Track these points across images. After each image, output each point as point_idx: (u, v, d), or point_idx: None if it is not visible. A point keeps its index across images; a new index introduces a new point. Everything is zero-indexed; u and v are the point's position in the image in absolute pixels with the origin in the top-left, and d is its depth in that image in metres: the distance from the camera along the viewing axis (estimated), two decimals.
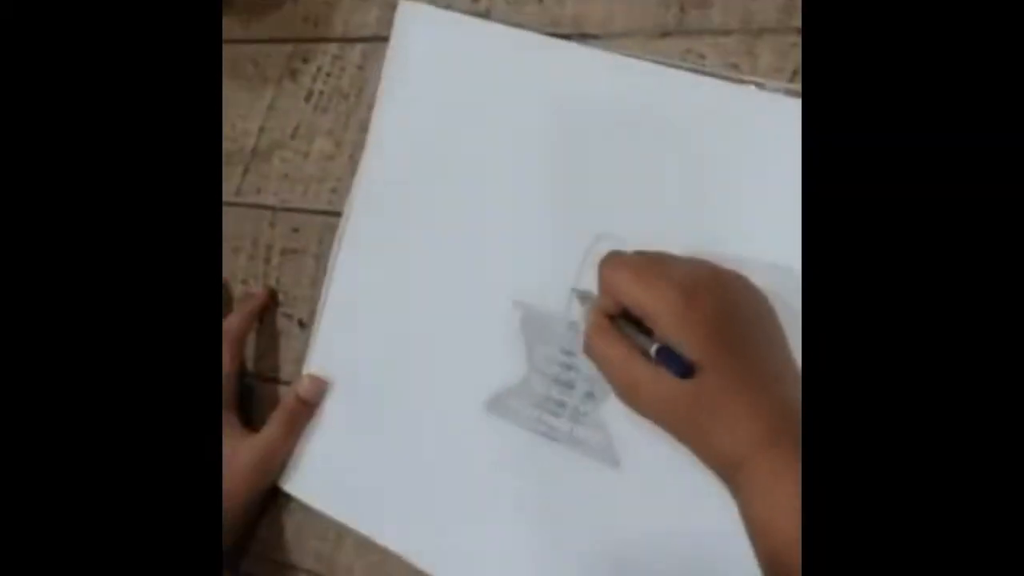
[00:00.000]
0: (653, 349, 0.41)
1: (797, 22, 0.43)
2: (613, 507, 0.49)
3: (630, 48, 0.47)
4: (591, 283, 0.48)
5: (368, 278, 0.56)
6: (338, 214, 0.57)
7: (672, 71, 0.47)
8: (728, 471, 0.41)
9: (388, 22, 0.55)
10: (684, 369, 0.40)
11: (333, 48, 0.57)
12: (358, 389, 0.57)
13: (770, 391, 0.41)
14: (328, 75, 0.57)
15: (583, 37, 0.49)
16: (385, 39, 0.55)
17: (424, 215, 0.55)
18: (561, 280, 0.50)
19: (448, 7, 0.54)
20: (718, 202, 0.47)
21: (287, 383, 0.59)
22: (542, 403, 0.51)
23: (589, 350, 0.45)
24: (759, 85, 0.44)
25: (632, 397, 0.43)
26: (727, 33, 0.45)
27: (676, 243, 0.46)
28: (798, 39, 0.43)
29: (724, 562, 0.45)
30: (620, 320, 0.44)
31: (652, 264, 0.44)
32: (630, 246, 0.47)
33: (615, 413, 0.49)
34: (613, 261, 0.45)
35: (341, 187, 0.57)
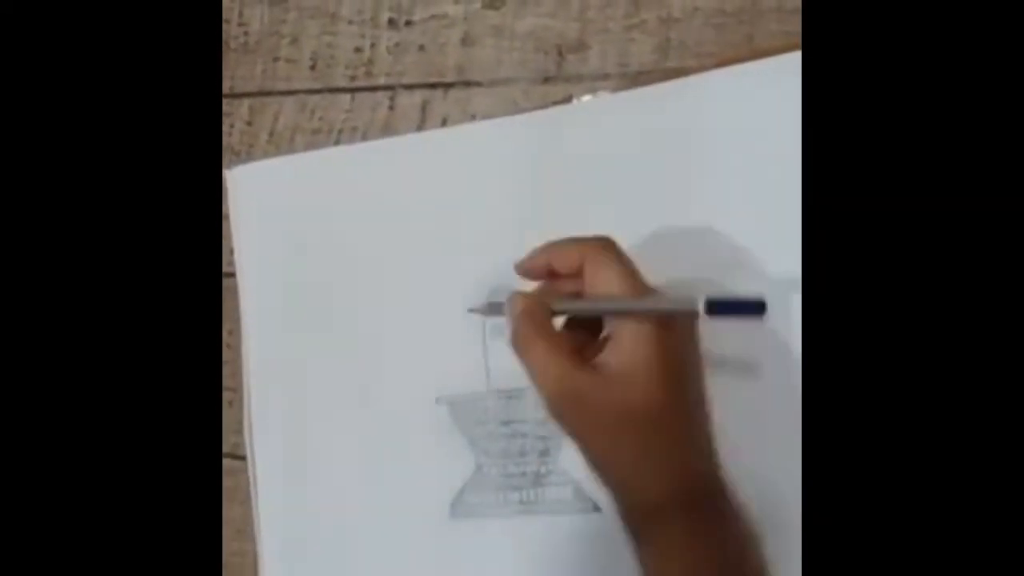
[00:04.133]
0: (702, 303, 0.34)
1: (672, 62, 0.46)
2: (612, 547, 0.47)
3: (513, 95, 0.49)
4: (498, 353, 0.48)
5: (290, 431, 0.54)
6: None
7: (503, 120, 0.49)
8: (645, 517, 0.37)
9: (272, 76, 0.54)
10: (757, 305, 0.33)
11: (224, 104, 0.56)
12: (307, 549, 0.53)
13: (708, 446, 0.39)
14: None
15: (467, 84, 0.50)
16: (269, 93, 0.54)
17: (321, 344, 0.53)
18: (470, 358, 0.50)
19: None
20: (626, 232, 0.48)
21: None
22: (502, 484, 0.49)
23: (519, 345, 0.39)
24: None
25: (565, 412, 0.37)
26: (605, 77, 0.48)
27: None
28: (671, 78, 0.46)
29: None
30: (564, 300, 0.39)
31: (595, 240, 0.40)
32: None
33: (574, 460, 0.48)
34: (551, 243, 0.41)
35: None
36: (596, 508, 0.47)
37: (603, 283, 0.38)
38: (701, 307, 0.34)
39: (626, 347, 0.36)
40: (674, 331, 0.37)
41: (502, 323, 0.50)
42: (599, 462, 0.38)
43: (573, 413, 0.37)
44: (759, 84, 0.44)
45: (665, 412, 0.36)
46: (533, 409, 0.49)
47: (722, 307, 0.34)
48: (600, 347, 0.38)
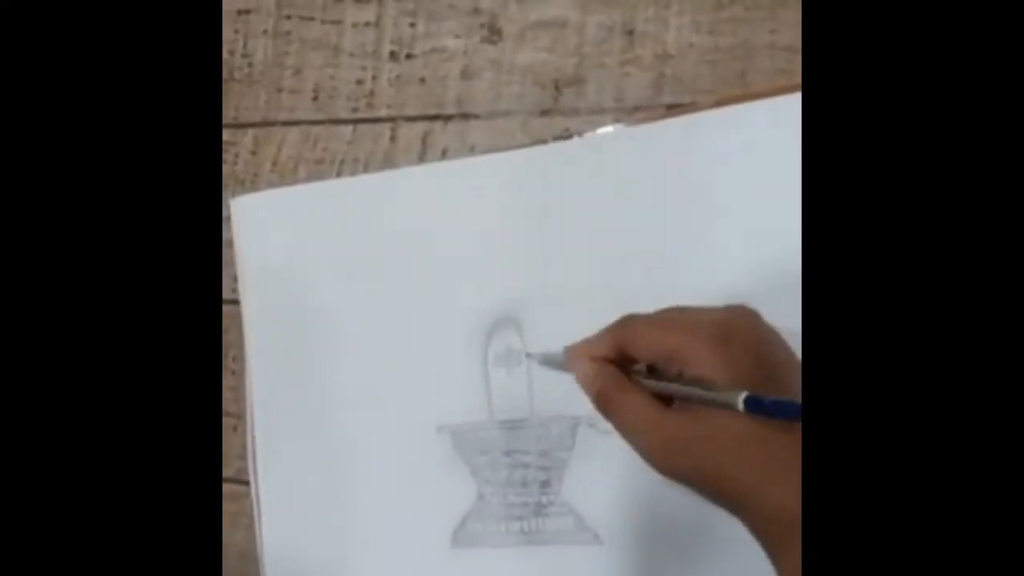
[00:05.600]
0: (741, 399, 0.34)
1: (667, 98, 0.47)
2: None
3: (511, 128, 0.50)
4: (500, 383, 0.49)
5: (295, 450, 0.54)
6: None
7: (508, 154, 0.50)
8: (780, 531, 0.35)
9: (276, 106, 0.55)
10: (792, 409, 0.34)
11: (225, 134, 0.56)
12: (317, 569, 0.54)
13: None
14: (223, 161, 0.56)
15: (466, 117, 0.51)
16: (273, 123, 0.55)
17: (323, 373, 0.54)
18: (473, 388, 0.51)
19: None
20: (624, 268, 0.48)
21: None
22: (503, 513, 0.50)
23: (607, 409, 0.39)
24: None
25: (675, 459, 0.37)
26: (602, 111, 0.48)
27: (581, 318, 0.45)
28: (666, 113, 0.46)
29: None
30: (633, 373, 0.39)
31: (674, 311, 0.39)
32: (529, 329, 0.48)
33: (575, 491, 0.48)
34: (628, 318, 0.39)
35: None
36: (597, 540, 0.48)
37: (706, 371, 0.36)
38: (741, 403, 0.35)
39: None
40: (739, 335, 0.37)
41: (503, 353, 0.51)
42: (720, 495, 0.37)
43: (682, 457, 0.37)
44: (755, 126, 0.44)
45: (753, 428, 0.35)
46: (535, 440, 0.49)
47: (760, 407, 0.34)
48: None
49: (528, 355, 0.48)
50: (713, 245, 0.46)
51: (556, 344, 0.45)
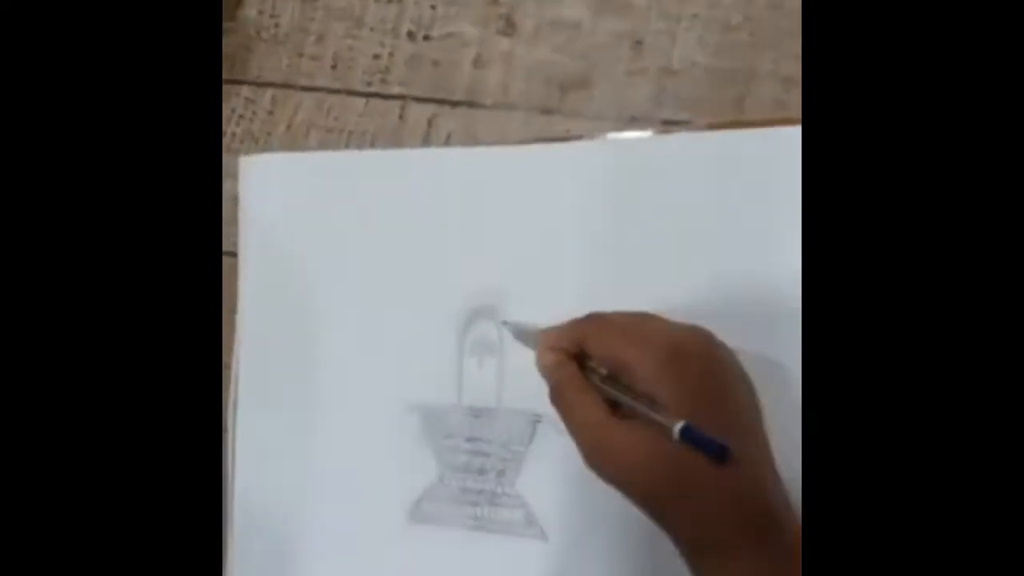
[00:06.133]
0: (677, 428, 0.35)
1: (666, 113, 0.47)
2: None
3: (514, 122, 0.50)
4: (472, 371, 0.50)
5: (269, 421, 0.56)
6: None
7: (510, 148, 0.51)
8: (700, 552, 0.37)
9: (296, 71, 0.56)
10: (719, 451, 0.35)
11: (246, 91, 0.58)
12: (272, 528, 0.55)
13: (759, 471, 0.37)
14: (241, 117, 0.58)
15: (472, 105, 0.51)
16: (292, 87, 0.56)
17: (307, 335, 0.55)
18: (446, 370, 0.51)
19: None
20: (603, 273, 0.49)
21: None
22: (459, 497, 0.51)
23: (559, 402, 0.40)
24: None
25: (605, 461, 0.38)
26: (601, 118, 0.48)
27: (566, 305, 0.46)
28: (664, 129, 0.47)
29: None
30: (590, 372, 0.40)
31: (639, 320, 0.40)
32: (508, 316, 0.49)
33: (529, 486, 0.49)
34: (595, 316, 0.41)
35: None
36: (543, 536, 0.49)
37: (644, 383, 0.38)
38: (676, 432, 0.36)
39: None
40: (689, 356, 0.38)
41: (478, 343, 0.51)
42: (643, 506, 0.38)
43: (611, 461, 0.38)
44: (745, 154, 0.44)
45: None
46: (497, 431, 0.50)
47: (693, 439, 0.36)
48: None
49: (504, 323, 0.49)
50: (687, 262, 0.46)
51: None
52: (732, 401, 0.39)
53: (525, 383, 0.49)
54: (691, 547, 0.38)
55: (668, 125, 0.46)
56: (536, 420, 0.49)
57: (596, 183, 0.48)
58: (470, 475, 0.51)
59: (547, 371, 0.42)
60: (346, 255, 0.54)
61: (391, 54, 0.54)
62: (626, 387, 0.39)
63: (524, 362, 0.49)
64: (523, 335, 0.47)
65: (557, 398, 0.41)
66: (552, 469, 0.49)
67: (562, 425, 0.47)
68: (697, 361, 0.38)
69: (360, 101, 0.55)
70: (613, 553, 0.47)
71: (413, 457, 0.52)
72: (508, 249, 0.50)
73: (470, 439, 0.51)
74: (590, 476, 0.47)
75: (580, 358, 0.41)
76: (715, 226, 0.45)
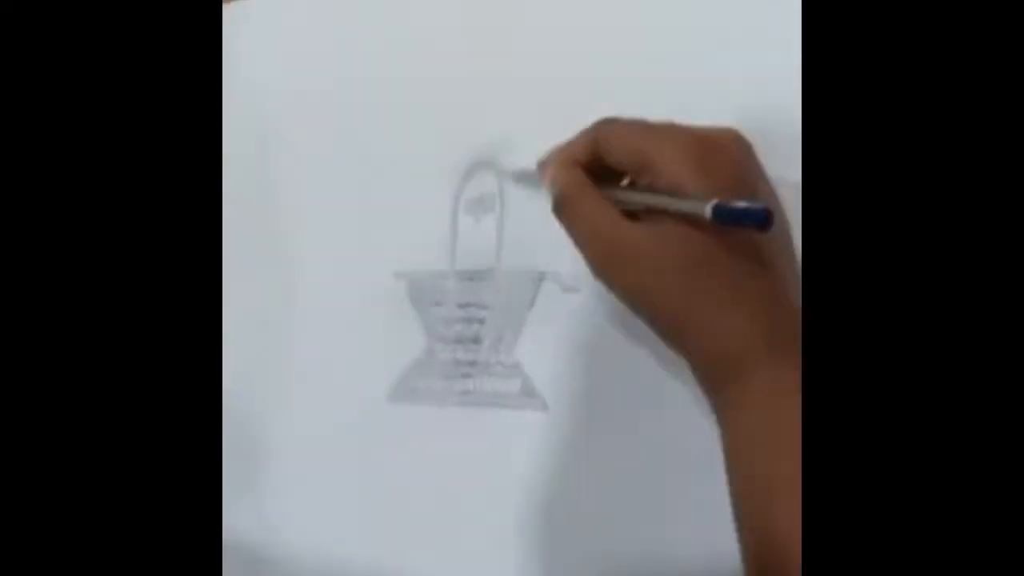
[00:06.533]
0: (710, 207, 0.30)
1: None
2: (555, 452, 0.43)
3: None
4: (468, 231, 0.45)
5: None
6: None
7: None
8: (724, 369, 0.32)
9: None
10: (762, 216, 0.30)
11: None
12: (249, 411, 0.50)
13: (783, 284, 0.33)
14: None
15: None
16: None
17: (295, 185, 0.50)
18: (439, 232, 0.46)
19: None
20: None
21: None
22: (450, 371, 0.45)
23: (565, 210, 0.35)
24: None
25: (619, 269, 0.34)
26: None
27: None
28: None
29: (677, 491, 0.40)
30: (604, 184, 0.35)
31: (659, 123, 0.35)
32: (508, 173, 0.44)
33: (528, 352, 0.44)
34: (610, 118, 0.36)
35: None
36: (543, 406, 0.43)
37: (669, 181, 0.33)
38: (708, 211, 0.31)
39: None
40: (722, 151, 0.33)
41: (475, 199, 0.46)
42: (664, 319, 0.33)
43: (628, 268, 0.33)
44: None
45: (736, 249, 0.32)
46: (494, 293, 0.45)
47: (728, 214, 0.30)
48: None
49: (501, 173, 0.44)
50: (712, 75, 0.41)
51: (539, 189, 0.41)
52: (763, 197, 0.34)
53: (525, 239, 0.45)
54: (715, 366, 0.33)
55: None
56: (540, 278, 0.44)
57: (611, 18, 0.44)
58: (462, 346, 0.45)
59: (551, 182, 0.36)
60: (333, 110, 0.49)
61: None
62: (647, 187, 0.34)
63: (527, 216, 0.45)
64: (524, 177, 0.42)
65: (563, 206, 0.35)
66: (556, 332, 0.43)
67: (569, 281, 0.43)
68: (727, 154, 0.34)
69: None
70: (618, 424, 0.42)
71: (399, 330, 0.47)
72: (506, 91, 0.46)
73: (463, 305, 0.46)
74: (595, 340, 0.43)
75: (594, 171, 0.36)
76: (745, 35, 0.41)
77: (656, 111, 0.35)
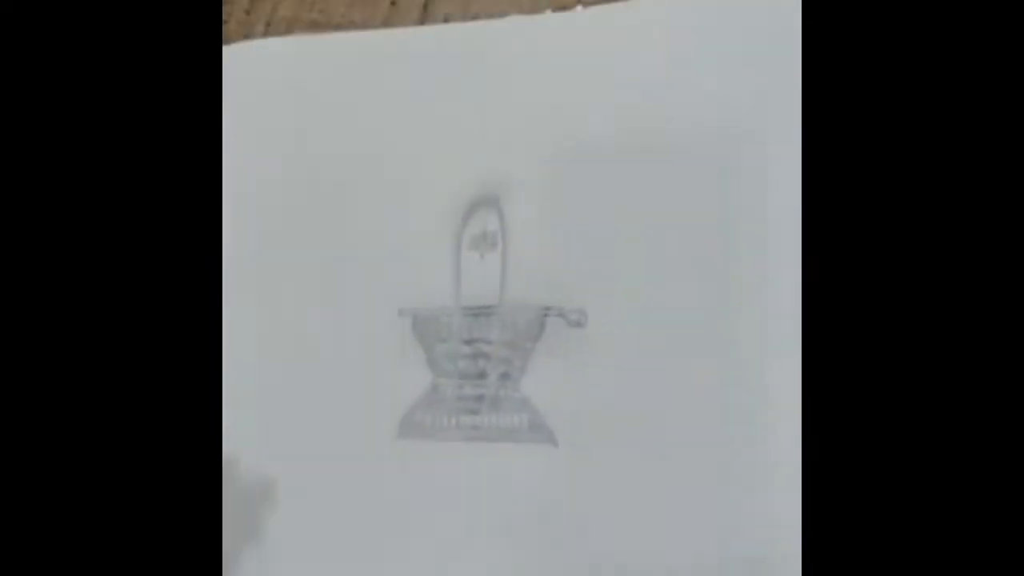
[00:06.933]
0: None
1: None
2: (564, 487, 0.43)
3: None
4: (472, 267, 0.45)
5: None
6: None
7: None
8: None
9: None
10: None
11: None
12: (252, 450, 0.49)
13: None
14: None
15: None
16: None
17: (296, 231, 0.50)
18: (442, 269, 0.47)
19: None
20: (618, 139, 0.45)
21: None
22: (456, 406, 0.46)
23: None
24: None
25: None
26: None
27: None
28: None
29: (693, 526, 0.40)
30: None
31: None
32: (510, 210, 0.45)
33: (535, 387, 0.44)
34: None
35: None
36: (552, 441, 0.43)
37: None
38: None
39: None
40: None
41: (478, 236, 0.47)
42: None
43: None
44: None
45: None
46: (500, 328, 0.45)
47: None
48: None
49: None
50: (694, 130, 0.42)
51: (540, 226, 0.42)
52: None
53: (531, 274, 0.45)
54: None
55: None
56: (545, 313, 0.44)
57: (602, 50, 0.44)
58: (469, 381, 0.46)
59: None
60: (333, 149, 0.49)
61: None
62: None
63: (530, 251, 0.45)
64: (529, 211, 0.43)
65: None
66: (561, 367, 0.44)
67: (573, 315, 0.44)
68: None
69: None
70: (629, 458, 0.42)
71: (403, 367, 0.47)
72: (506, 130, 0.46)
73: (468, 341, 0.46)
74: (603, 374, 0.43)
75: None
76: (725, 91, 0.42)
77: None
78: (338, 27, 0.51)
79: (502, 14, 0.47)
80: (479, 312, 0.46)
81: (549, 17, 0.46)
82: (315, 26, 0.51)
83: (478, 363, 0.46)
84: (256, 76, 0.51)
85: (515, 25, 0.47)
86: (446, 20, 0.48)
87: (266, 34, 0.52)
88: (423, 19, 0.49)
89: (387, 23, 0.50)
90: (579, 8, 0.46)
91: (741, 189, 0.43)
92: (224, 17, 0.53)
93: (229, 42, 0.52)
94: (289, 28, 0.52)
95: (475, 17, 0.48)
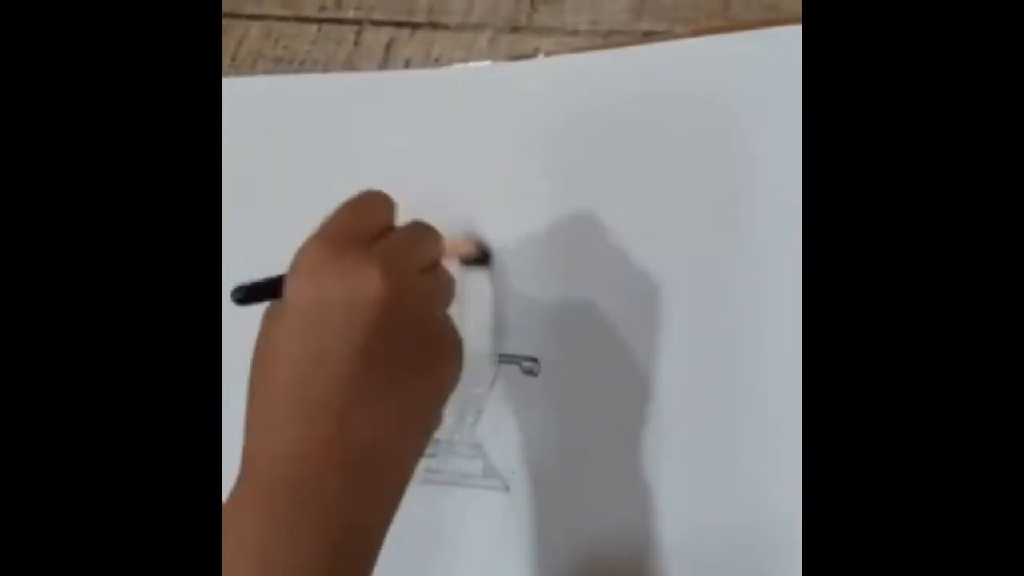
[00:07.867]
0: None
1: (645, 24, 0.44)
2: (519, 529, 0.44)
3: (479, 42, 0.47)
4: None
5: None
6: None
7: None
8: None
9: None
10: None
11: None
12: None
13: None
14: None
15: (434, 27, 0.48)
16: (238, 16, 0.52)
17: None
18: None
19: None
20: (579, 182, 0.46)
21: None
22: None
23: None
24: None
25: None
26: (575, 33, 0.45)
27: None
28: (642, 40, 0.44)
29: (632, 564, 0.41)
30: None
31: None
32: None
33: (488, 433, 0.45)
34: None
35: None
36: (505, 487, 0.45)
37: None
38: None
39: None
40: None
41: None
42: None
43: None
44: (733, 58, 0.41)
45: None
46: None
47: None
48: None
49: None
50: (668, 182, 0.42)
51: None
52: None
53: (487, 323, 0.46)
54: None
55: (648, 37, 0.43)
56: (498, 360, 0.45)
57: (568, 100, 0.45)
58: None
59: None
60: (296, 189, 0.50)
61: None
62: None
63: (485, 300, 0.46)
64: (483, 262, 0.44)
65: None
66: (515, 413, 0.45)
67: (527, 364, 0.44)
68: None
69: (312, 28, 0.51)
70: (580, 504, 0.43)
71: None
72: (474, 175, 0.47)
73: None
74: (557, 420, 0.44)
75: None
76: (701, 144, 0.42)
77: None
78: (302, 64, 0.51)
79: (463, 59, 0.47)
80: None
81: (510, 65, 0.46)
82: (279, 61, 0.52)
83: None
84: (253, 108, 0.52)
85: (476, 72, 0.47)
86: (407, 64, 0.48)
87: (231, 67, 0.53)
88: (385, 61, 0.49)
89: (349, 63, 0.50)
90: (541, 56, 0.46)
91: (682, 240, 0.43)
92: None
93: None
94: (254, 63, 0.52)
95: (436, 60, 0.48)
